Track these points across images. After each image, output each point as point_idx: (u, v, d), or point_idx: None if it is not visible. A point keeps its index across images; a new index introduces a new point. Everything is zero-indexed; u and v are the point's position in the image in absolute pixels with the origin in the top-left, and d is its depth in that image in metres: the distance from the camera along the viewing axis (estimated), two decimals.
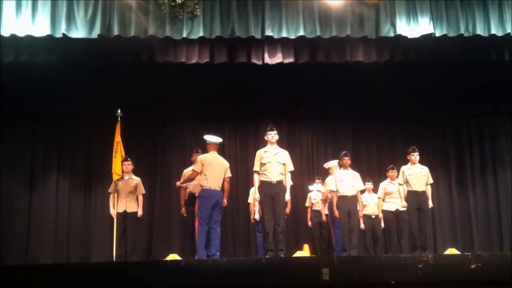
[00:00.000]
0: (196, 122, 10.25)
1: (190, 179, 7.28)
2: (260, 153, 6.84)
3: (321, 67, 8.82)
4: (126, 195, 7.98)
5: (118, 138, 8.15)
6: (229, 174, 7.24)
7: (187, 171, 7.88)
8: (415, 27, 7.93)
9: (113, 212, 7.96)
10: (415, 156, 8.02)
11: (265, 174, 6.71)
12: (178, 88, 9.75)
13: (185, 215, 8.04)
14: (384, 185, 8.63)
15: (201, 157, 7.16)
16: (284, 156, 6.83)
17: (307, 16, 7.91)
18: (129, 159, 8.16)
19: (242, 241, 10.27)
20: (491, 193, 10.70)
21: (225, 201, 7.25)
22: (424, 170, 7.99)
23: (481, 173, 10.82)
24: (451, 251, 8.40)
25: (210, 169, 7.01)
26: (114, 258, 7.78)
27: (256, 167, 6.78)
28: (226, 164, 7.25)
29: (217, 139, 7.26)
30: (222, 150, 10.43)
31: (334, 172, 8.30)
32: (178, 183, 7.78)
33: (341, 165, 8.05)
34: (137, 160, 8.69)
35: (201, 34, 7.75)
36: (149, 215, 9.88)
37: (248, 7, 7.84)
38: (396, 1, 7.95)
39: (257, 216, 8.05)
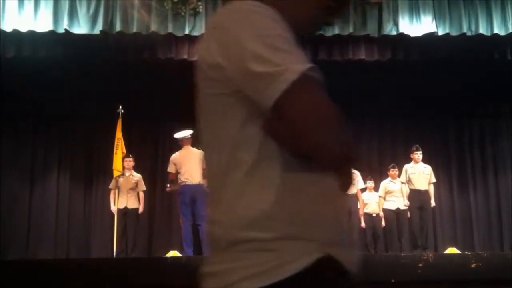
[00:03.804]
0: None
1: (171, 181, 7.26)
2: None
3: (323, 65, 8.78)
4: (127, 192, 7.97)
5: (119, 134, 8.16)
6: None
7: None
8: (418, 25, 7.91)
9: (113, 208, 7.96)
10: (418, 155, 8.00)
11: None
12: (180, 86, 9.70)
13: None
14: (385, 183, 8.62)
15: (172, 157, 7.15)
16: None
17: None
18: (130, 155, 8.16)
19: None
20: (492, 193, 10.69)
21: None
22: (427, 169, 7.97)
23: (482, 173, 10.82)
24: (452, 250, 8.38)
25: (182, 165, 7.00)
26: (114, 254, 7.78)
27: None
28: (201, 153, 6.93)
29: (186, 133, 7.18)
30: None
31: None
32: (167, 189, 7.67)
33: None
34: (137, 158, 8.68)
35: (203, 30, 7.73)
36: (149, 212, 9.86)
37: None
38: None
39: None
